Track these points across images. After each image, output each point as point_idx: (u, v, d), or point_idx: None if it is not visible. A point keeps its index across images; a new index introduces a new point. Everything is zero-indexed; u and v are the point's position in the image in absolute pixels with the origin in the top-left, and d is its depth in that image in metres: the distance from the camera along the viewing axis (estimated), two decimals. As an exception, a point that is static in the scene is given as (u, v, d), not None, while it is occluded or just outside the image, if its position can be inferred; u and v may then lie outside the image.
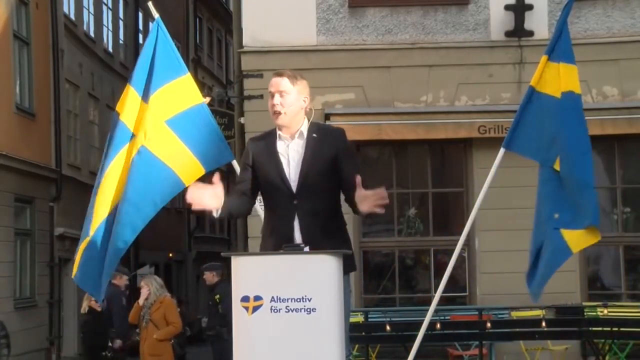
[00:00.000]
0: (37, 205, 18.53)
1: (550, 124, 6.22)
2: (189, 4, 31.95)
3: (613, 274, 13.92)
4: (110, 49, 24.77)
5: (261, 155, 4.81)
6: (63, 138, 19.90)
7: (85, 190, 6.44)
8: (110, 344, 13.48)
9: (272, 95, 4.76)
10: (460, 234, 6.89)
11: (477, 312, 12.47)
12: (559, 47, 6.30)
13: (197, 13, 33.49)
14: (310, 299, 4.31)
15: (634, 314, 12.42)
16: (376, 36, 13.43)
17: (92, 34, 23.16)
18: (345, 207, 4.79)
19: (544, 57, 6.37)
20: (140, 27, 27.62)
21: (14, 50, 17.65)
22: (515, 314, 12.67)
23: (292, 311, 4.31)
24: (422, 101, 13.36)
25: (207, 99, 6.64)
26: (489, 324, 11.95)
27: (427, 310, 6.84)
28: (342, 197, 4.80)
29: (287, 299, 4.32)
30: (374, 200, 4.43)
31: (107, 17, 24.70)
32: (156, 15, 6.57)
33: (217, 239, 34.91)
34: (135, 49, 25.96)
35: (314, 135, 4.79)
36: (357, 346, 11.84)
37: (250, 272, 4.43)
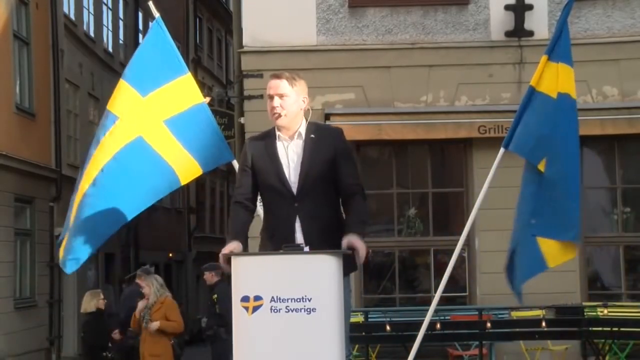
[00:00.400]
0: (37, 205, 18.52)
1: (542, 122, 6.20)
2: (189, 4, 31.94)
3: (613, 274, 13.92)
4: (110, 49, 24.77)
5: (260, 158, 4.80)
6: (63, 138, 19.90)
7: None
8: (110, 345, 13.52)
9: (272, 98, 4.76)
10: (460, 234, 6.90)
11: (477, 312, 12.46)
12: (559, 48, 6.30)
13: (197, 13, 33.48)
14: (310, 299, 4.31)
15: (634, 314, 12.42)
16: (376, 36, 13.43)
17: (92, 34, 23.16)
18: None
19: (544, 57, 6.37)
20: (140, 27, 27.61)
21: (14, 50, 17.65)
22: (515, 314, 12.66)
23: (292, 311, 4.31)
24: (422, 101, 13.36)
25: (207, 99, 6.63)
26: (489, 324, 11.94)
27: (427, 310, 6.85)
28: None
29: (287, 299, 4.32)
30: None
31: (107, 17, 24.69)
32: (156, 14, 6.57)
33: (217, 239, 34.85)
34: (135, 49, 25.93)
35: (312, 136, 4.79)
36: (357, 346, 11.83)
37: (250, 272, 4.43)
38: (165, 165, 6.18)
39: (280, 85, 4.76)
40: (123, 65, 24.93)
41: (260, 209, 5.32)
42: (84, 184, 6.02)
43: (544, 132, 6.12)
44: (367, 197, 4.95)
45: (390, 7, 13.43)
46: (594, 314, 12.39)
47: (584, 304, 12.67)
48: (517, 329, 12.53)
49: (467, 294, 13.38)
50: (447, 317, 12.34)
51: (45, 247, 18.81)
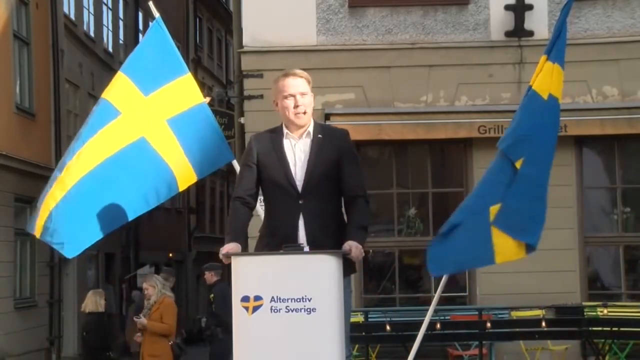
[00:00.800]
0: (37, 205, 18.49)
1: (527, 120, 6.15)
2: (189, 4, 31.94)
3: (613, 274, 13.91)
4: (110, 49, 24.78)
5: (267, 154, 4.82)
6: (63, 138, 19.88)
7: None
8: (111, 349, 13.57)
9: (294, 96, 4.79)
10: (460, 234, 6.88)
11: (477, 312, 12.46)
12: (557, 48, 6.30)
13: (197, 13, 33.48)
14: (310, 299, 4.31)
15: (634, 314, 12.42)
16: (376, 36, 13.43)
17: (92, 34, 23.17)
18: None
19: (544, 57, 6.37)
20: (140, 27, 27.61)
21: (14, 50, 17.64)
22: (515, 314, 12.67)
23: (292, 311, 4.32)
24: (422, 101, 13.36)
25: (208, 99, 6.63)
26: (489, 324, 11.94)
27: (427, 310, 6.84)
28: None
29: (287, 299, 4.33)
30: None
31: (107, 17, 24.70)
32: (157, 14, 6.57)
33: (217, 239, 34.82)
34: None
35: (320, 135, 4.84)
36: (357, 346, 11.83)
37: (250, 272, 4.44)
38: (167, 169, 6.16)
39: (301, 84, 4.83)
40: (123, 65, 25.00)
41: (260, 208, 5.32)
42: (79, 168, 5.94)
43: (527, 132, 6.07)
44: (369, 198, 4.96)
45: (390, 7, 13.43)
46: (594, 314, 12.39)
47: (584, 304, 12.67)
48: (517, 329, 12.53)
49: (467, 294, 13.38)
50: (447, 317, 12.34)
51: (45, 247, 18.74)
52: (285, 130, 4.85)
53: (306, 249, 4.61)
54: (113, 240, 22.12)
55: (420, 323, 6.82)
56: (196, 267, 29.56)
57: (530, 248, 5.71)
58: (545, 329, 11.96)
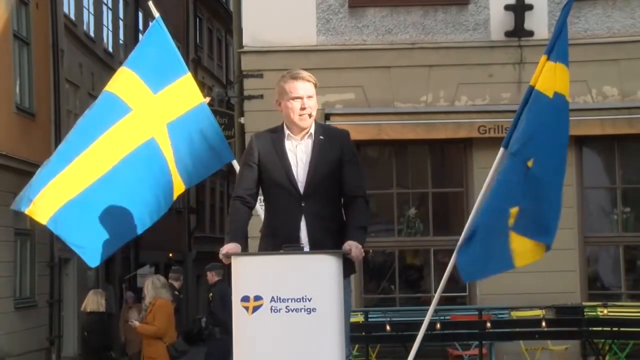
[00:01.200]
0: (37, 205, 18.48)
1: (535, 121, 6.17)
2: (189, 4, 31.94)
3: (613, 274, 13.92)
4: (110, 49, 24.77)
5: (268, 155, 4.82)
6: (63, 138, 19.86)
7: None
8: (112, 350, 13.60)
9: (301, 99, 4.80)
10: (460, 234, 6.88)
11: (477, 312, 12.46)
12: (558, 47, 6.30)
13: (197, 13, 33.48)
14: (310, 299, 4.31)
15: (634, 314, 12.41)
16: (376, 36, 13.43)
17: (92, 34, 23.16)
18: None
19: (544, 57, 6.37)
20: (140, 27, 27.61)
21: (14, 50, 17.64)
22: (515, 314, 12.66)
23: (292, 311, 4.32)
24: (422, 101, 13.36)
25: (208, 99, 6.62)
26: (489, 324, 11.94)
27: (427, 310, 6.84)
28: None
29: (287, 299, 4.33)
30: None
31: (107, 17, 24.69)
32: (156, 14, 6.57)
33: (217, 239, 34.84)
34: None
35: (321, 137, 4.84)
36: (357, 346, 11.83)
37: (250, 272, 4.44)
38: (169, 176, 6.12)
39: (309, 88, 4.84)
40: (123, 65, 24.99)
41: (259, 208, 5.32)
42: (94, 167, 5.80)
43: (535, 132, 6.08)
44: (369, 199, 4.97)
45: (390, 7, 13.43)
46: (594, 314, 12.39)
47: (584, 304, 12.67)
48: (517, 329, 12.53)
49: (467, 294, 13.38)
50: (447, 317, 12.33)
51: (45, 247, 18.80)
52: (286, 131, 4.85)
53: (306, 249, 4.61)
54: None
55: (420, 323, 6.82)
56: (196, 267, 29.58)
57: (547, 248, 5.71)
58: (545, 329, 11.96)
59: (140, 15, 27.52)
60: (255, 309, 4.35)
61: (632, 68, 13.12)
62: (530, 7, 13.16)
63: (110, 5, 24.94)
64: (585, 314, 12.30)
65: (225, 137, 7.97)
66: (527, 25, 13.16)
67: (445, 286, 6.52)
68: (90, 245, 5.85)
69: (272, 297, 4.33)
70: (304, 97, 4.81)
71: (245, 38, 13.48)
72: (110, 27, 24.95)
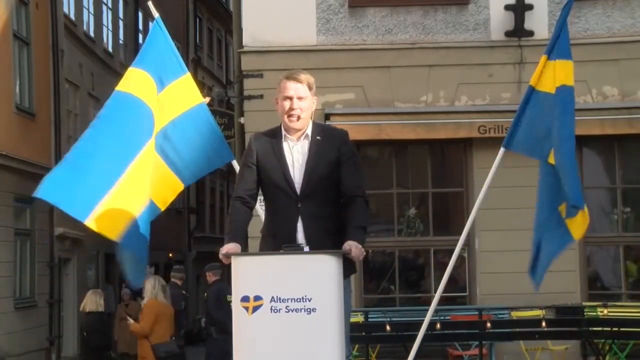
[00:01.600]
0: (37, 205, 18.48)
1: (545, 120, 6.24)
2: (189, 4, 31.94)
3: (613, 274, 13.92)
4: (110, 49, 24.77)
5: (266, 155, 4.82)
6: (63, 138, 19.88)
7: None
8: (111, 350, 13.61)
9: (291, 99, 4.78)
10: (460, 234, 6.90)
11: (477, 312, 12.46)
12: (557, 46, 6.32)
13: (197, 13, 33.47)
14: (310, 299, 4.31)
15: (634, 314, 12.42)
16: (376, 36, 13.43)
17: (92, 34, 23.16)
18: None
19: (544, 57, 6.39)
20: (140, 27, 27.61)
21: (14, 50, 17.64)
22: (515, 314, 12.66)
23: (292, 311, 4.32)
24: (422, 101, 13.35)
25: (207, 99, 6.63)
26: (489, 324, 11.94)
27: (427, 310, 6.84)
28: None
29: (287, 299, 4.32)
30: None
31: (107, 17, 24.69)
32: (156, 15, 6.57)
33: (217, 239, 34.82)
34: (135, 49, 25.91)
35: (318, 137, 4.83)
36: (357, 346, 11.83)
37: (250, 272, 4.43)
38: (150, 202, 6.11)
39: (301, 89, 4.80)
40: (123, 65, 24.93)
41: (259, 209, 5.32)
42: (147, 185, 5.82)
43: (548, 128, 6.17)
44: (368, 198, 4.96)
45: (390, 7, 13.43)
46: (594, 314, 12.39)
47: (584, 304, 12.67)
48: (517, 329, 12.53)
49: (467, 294, 13.38)
50: (447, 317, 12.33)
51: (45, 247, 18.81)
52: (284, 132, 4.85)
53: (306, 249, 4.61)
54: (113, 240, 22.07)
55: (420, 323, 6.82)
56: (196, 267, 29.57)
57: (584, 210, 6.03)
58: (545, 329, 11.96)
59: (140, 15, 27.52)
60: (255, 309, 4.34)
61: (632, 68, 13.12)
62: (530, 7, 13.16)
63: (110, 5, 24.93)
64: (585, 314, 12.31)
65: (225, 137, 8.00)
66: (527, 25, 13.16)
67: (445, 286, 6.53)
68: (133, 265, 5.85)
69: (272, 297, 4.33)
70: (294, 98, 4.78)
71: (245, 38, 13.48)
72: (110, 27, 24.95)
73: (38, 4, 18.63)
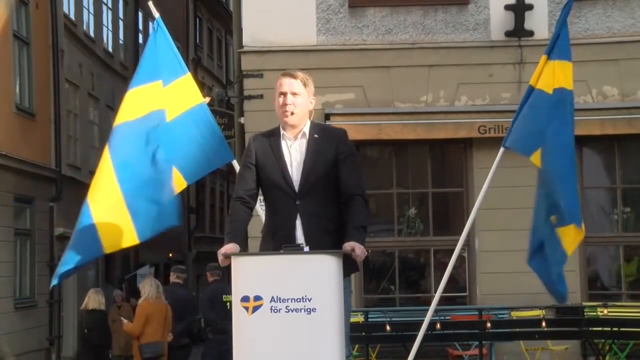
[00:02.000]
0: (37, 205, 18.51)
1: (538, 118, 6.23)
2: (189, 4, 31.94)
3: (613, 274, 13.92)
4: (110, 49, 24.76)
5: (265, 155, 4.84)
6: (63, 138, 19.89)
7: (85, 191, 6.33)
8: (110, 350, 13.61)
9: (284, 95, 4.81)
10: (460, 234, 6.90)
11: (477, 312, 12.47)
12: (557, 46, 6.33)
13: (197, 13, 33.48)
14: (310, 299, 4.31)
15: (634, 314, 12.42)
16: (376, 36, 13.43)
17: (92, 34, 23.15)
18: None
19: (544, 57, 6.39)
20: (140, 27, 27.61)
21: (14, 50, 17.64)
22: (515, 314, 12.67)
23: (292, 311, 4.31)
24: (422, 101, 13.35)
25: (207, 99, 6.64)
26: (489, 324, 11.94)
27: (427, 310, 6.84)
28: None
29: (287, 299, 4.32)
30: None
31: (107, 17, 24.69)
32: (156, 15, 6.57)
33: (217, 239, 34.83)
34: (135, 49, 25.95)
35: (316, 136, 4.84)
36: (357, 346, 11.83)
37: (250, 272, 4.43)
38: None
39: (295, 84, 4.83)
40: (123, 65, 24.99)
41: (259, 209, 5.32)
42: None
43: (539, 126, 6.16)
44: (368, 197, 4.96)
45: (390, 7, 13.43)
46: (594, 314, 12.39)
47: (584, 304, 12.67)
48: (517, 329, 12.53)
49: (467, 294, 13.38)
50: (447, 317, 12.34)
51: (45, 247, 18.81)
52: (282, 131, 4.87)
53: (306, 249, 4.61)
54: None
55: (420, 323, 6.82)
56: (196, 267, 29.57)
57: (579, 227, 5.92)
58: (545, 329, 11.95)
59: (140, 15, 27.52)
60: (255, 309, 4.34)
61: (632, 68, 13.12)
62: (530, 7, 13.16)
63: (110, 5, 24.93)
64: (585, 314, 12.31)
65: (225, 137, 8.01)
66: (527, 25, 13.15)
67: (445, 286, 6.53)
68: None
69: (272, 297, 4.33)
70: (288, 93, 4.81)
71: (245, 38, 13.48)
72: (110, 27, 24.94)
73: (38, 4, 18.63)
